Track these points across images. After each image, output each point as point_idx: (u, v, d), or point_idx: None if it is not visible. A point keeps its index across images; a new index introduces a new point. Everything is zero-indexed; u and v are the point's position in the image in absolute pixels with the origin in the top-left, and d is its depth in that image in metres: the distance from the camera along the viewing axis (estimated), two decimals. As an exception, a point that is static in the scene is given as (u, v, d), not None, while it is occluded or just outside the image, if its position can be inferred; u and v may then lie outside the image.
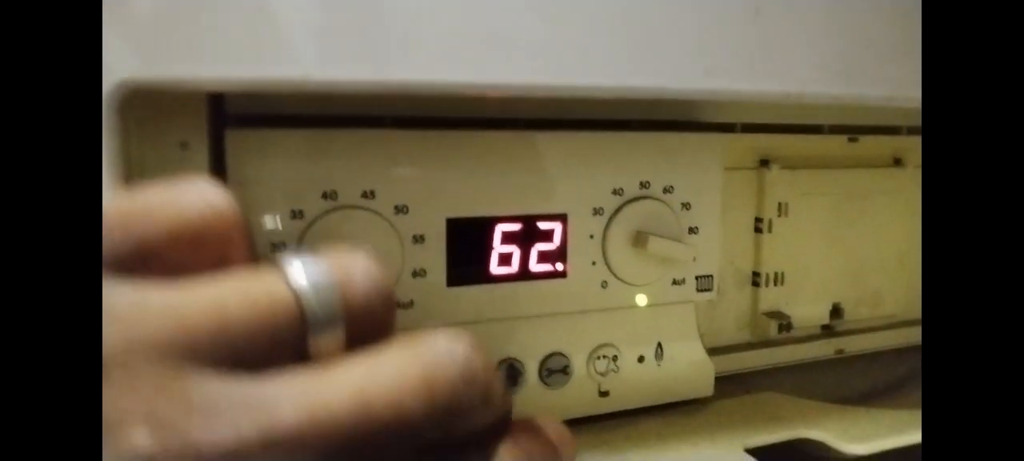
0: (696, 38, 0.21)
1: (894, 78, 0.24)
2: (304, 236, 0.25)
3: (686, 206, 0.30)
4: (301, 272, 0.14)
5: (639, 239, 0.29)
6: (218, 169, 0.24)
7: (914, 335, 0.40)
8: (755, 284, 0.36)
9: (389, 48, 0.19)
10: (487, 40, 0.20)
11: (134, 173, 0.20)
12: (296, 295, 0.14)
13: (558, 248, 0.28)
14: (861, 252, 0.38)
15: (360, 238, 0.25)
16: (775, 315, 0.36)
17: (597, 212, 0.29)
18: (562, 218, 0.28)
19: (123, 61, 0.18)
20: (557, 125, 0.28)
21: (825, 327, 0.38)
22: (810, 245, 0.37)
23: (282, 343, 0.14)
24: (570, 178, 0.28)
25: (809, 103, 0.24)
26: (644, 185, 0.29)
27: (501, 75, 0.20)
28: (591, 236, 0.29)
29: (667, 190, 0.30)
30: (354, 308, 0.15)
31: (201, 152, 0.22)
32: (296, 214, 0.25)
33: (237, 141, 0.24)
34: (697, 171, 0.30)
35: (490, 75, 0.20)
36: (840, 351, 0.38)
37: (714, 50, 0.22)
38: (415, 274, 0.26)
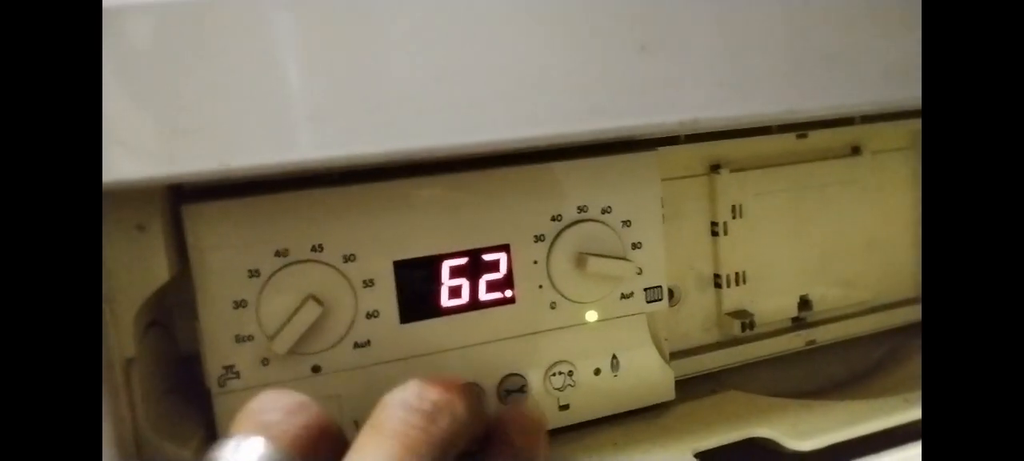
0: (580, 80, 0.23)
1: (790, 92, 0.25)
2: (261, 292, 0.27)
3: (627, 223, 0.32)
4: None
5: (580, 260, 0.31)
6: (178, 243, 0.27)
7: (888, 319, 0.41)
8: (717, 286, 0.37)
9: (372, 124, 0.22)
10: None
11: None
12: None
13: (504, 276, 0.30)
14: (825, 243, 0.39)
15: (312, 288, 0.28)
16: (739, 314, 0.37)
17: (538, 239, 0.31)
18: (506, 248, 0.30)
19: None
20: (493, 162, 0.30)
21: (795, 319, 0.39)
22: (770, 242, 0.38)
23: None
24: (510, 210, 0.30)
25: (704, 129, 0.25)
26: (582, 208, 0.31)
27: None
28: (535, 262, 0.31)
29: (605, 211, 0.31)
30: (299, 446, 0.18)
31: (158, 233, 0.25)
32: (252, 273, 0.27)
33: (193, 214, 0.26)
34: (634, 189, 0.32)
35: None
36: (811, 342, 0.39)
37: (599, 89, 0.23)
38: (368, 315, 0.29)
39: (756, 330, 0.38)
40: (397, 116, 0.22)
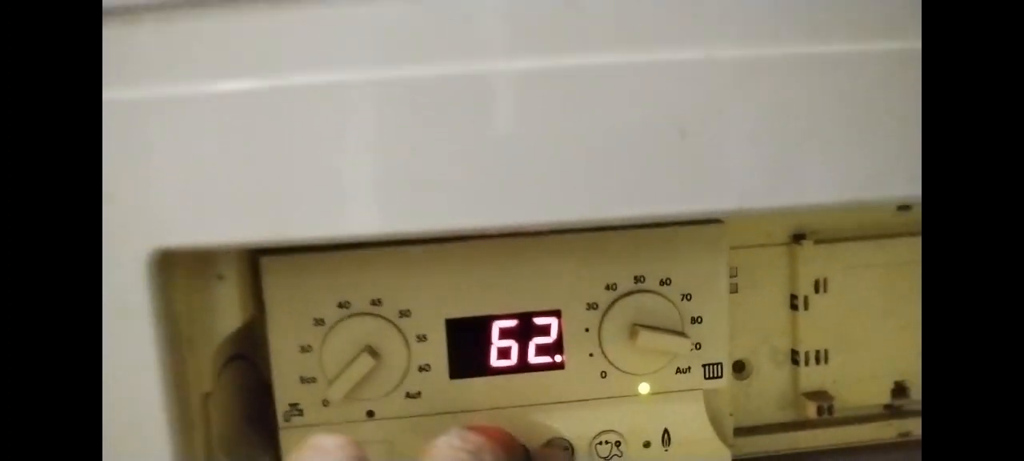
0: (616, 164, 0.23)
1: (840, 178, 0.24)
2: (325, 339, 0.30)
3: (687, 296, 0.31)
4: None
5: (634, 332, 0.30)
6: (253, 291, 0.30)
7: (1003, 416, 0.36)
8: (794, 363, 0.35)
9: (414, 205, 0.24)
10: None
11: (178, 303, 0.27)
12: None
13: (554, 341, 0.31)
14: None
15: (370, 339, 0.30)
16: (817, 395, 0.35)
17: (591, 306, 0.31)
18: (557, 313, 0.31)
19: (177, 230, 0.24)
20: (549, 229, 0.30)
21: (887, 407, 0.36)
22: (860, 319, 0.35)
23: None
24: (563, 276, 0.30)
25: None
26: (639, 279, 0.31)
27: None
28: (587, 330, 0.31)
29: (664, 282, 0.31)
30: None
31: (234, 283, 0.28)
32: (318, 321, 0.30)
33: (269, 267, 0.29)
34: (697, 261, 0.31)
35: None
36: (905, 434, 0.36)
37: (637, 177, 0.23)
38: (420, 368, 0.30)
39: (838, 414, 0.35)
40: (438, 197, 0.24)
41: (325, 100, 0.23)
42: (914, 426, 0.36)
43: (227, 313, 0.28)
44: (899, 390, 0.36)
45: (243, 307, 0.29)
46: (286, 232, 0.24)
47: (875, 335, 0.35)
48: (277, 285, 0.29)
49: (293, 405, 0.30)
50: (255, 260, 0.30)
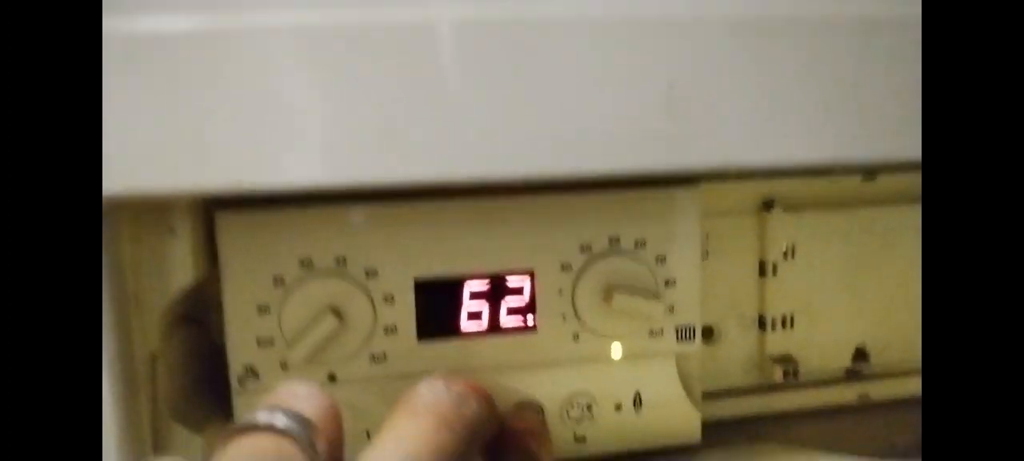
0: (605, 120, 0.22)
1: (832, 139, 0.23)
2: (285, 300, 0.28)
3: (661, 259, 0.30)
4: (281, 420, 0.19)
5: (608, 294, 0.30)
6: (207, 248, 0.28)
7: (956, 381, 0.37)
8: (761, 327, 0.35)
9: (391, 152, 0.22)
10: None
11: (124, 256, 0.25)
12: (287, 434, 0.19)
13: (527, 303, 0.30)
14: (890, 292, 0.36)
15: (333, 300, 0.28)
16: (783, 359, 0.35)
17: (565, 268, 0.30)
18: (530, 274, 0.30)
19: (122, 175, 0.22)
20: (522, 188, 0.29)
21: (849, 371, 0.37)
22: (825, 286, 0.35)
23: None
24: (537, 236, 0.29)
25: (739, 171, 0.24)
26: (613, 240, 0.30)
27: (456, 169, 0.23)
28: (560, 291, 0.30)
29: (639, 244, 0.30)
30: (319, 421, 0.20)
31: (186, 238, 0.26)
32: (277, 281, 0.28)
33: (225, 221, 0.27)
34: (672, 224, 0.30)
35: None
36: (865, 397, 0.36)
37: (624, 131, 0.22)
38: (387, 330, 0.29)
39: (802, 378, 0.35)
40: (411, 146, 0.22)
41: (278, 42, 0.21)
42: (873, 389, 0.36)
43: (178, 270, 0.26)
44: (859, 355, 0.36)
45: (196, 264, 0.27)
46: (238, 180, 0.22)
47: (838, 301, 0.36)
48: (233, 241, 0.27)
49: (249, 368, 0.28)
50: (210, 215, 0.27)
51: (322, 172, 0.22)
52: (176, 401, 0.28)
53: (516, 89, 0.22)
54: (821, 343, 0.36)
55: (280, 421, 0.19)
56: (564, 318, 0.30)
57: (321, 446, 0.19)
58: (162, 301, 0.26)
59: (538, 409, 0.30)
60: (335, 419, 0.21)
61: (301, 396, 0.21)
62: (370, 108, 0.22)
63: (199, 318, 0.30)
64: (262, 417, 0.19)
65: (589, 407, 0.31)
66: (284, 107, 0.21)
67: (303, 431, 0.19)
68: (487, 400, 0.23)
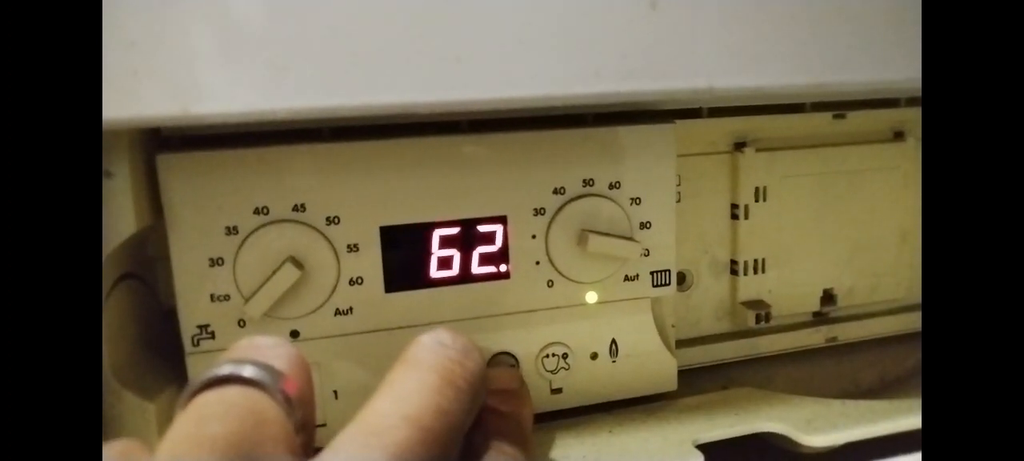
0: (586, 39, 0.21)
1: (822, 63, 0.22)
2: (239, 251, 0.26)
3: (636, 201, 0.29)
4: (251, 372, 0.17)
5: (582, 238, 0.28)
6: (149, 192, 0.25)
7: (917, 321, 0.38)
8: (733, 273, 0.35)
9: (345, 75, 0.20)
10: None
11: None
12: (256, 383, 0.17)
13: (499, 250, 0.28)
14: (855, 234, 0.36)
15: (292, 250, 0.26)
16: (755, 304, 0.35)
17: (538, 212, 0.28)
18: (502, 220, 0.28)
19: None
20: (493, 126, 0.28)
21: (816, 314, 0.37)
22: (794, 229, 0.35)
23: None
24: (508, 179, 0.28)
25: (721, 97, 0.23)
26: (587, 182, 0.29)
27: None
28: (533, 236, 0.29)
29: (613, 186, 0.29)
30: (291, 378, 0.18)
31: (126, 182, 0.24)
32: (230, 230, 0.26)
33: (168, 165, 0.25)
34: (647, 164, 0.29)
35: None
36: (833, 339, 0.37)
37: (604, 49, 0.21)
38: (351, 282, 0.27)
39: (773, 323, 0.35)
40: (373, 68, 0.20)
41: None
42: (840, 331, 0.37)
43: (116, 219, 0.24)
44: (827, 298, 0.36)
45: (137, 213, 0.24)
46: (178, 109, 0.20)
47: (807, 245, 0.36)
48: (179, 187, 0.25)
49: (203, 327, 0.26)
50: (151, 158, 0.25)
51: (273, 98, 0.20)
52: (122, 367, 0.25)
53: (491, 1, 0.20)
54: (791, 287, 0.36)
55: (248, 371, 0.17)
56: (538, 264, 0.29)
57: (293, 398, 0.18)
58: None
59: (512, 362, 0.29)
60: (305, 371, 0.19)
61: (265, 347, 0.19)
62: (326, 21, 0.20)
63: (143, 274, 0.28)
64: (226, 368, 0.17)
65: (565, 357, 0.30)
66: (228, 23, 0.19)
67: (274, 381, 0.17)
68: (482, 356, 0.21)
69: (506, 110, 0.22)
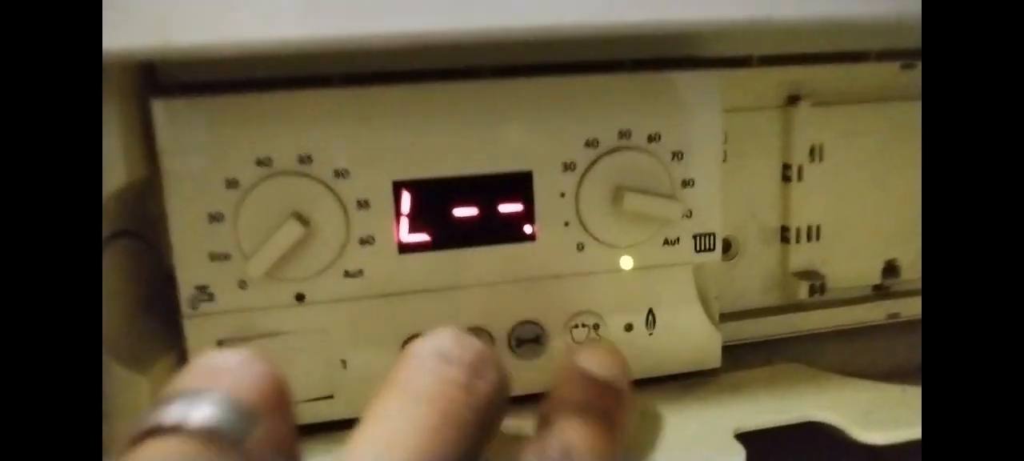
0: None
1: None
2: (240, 206, 0.24)
3: (677, 156, 0.26)
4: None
5: (617, 196, 0.26)
6: (143, 144, 0.23)
7: (993, 295, 0.34)
8: (784, 240, 0.32)
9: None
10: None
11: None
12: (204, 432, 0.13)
13: (524, 209, 0.26)
14: (920, 200, 0.32)
15: (297, 205, 0.24)
16: (808, 275, 0.32)
17: (568, 167, 0.26)
18: (527, 176, 0.25)
19: None
20: (516, 71, 0.25)
21: (877, 288, 0.33)
22: (854, 193, 0.32)
23: None
24: (536, 130, 0.25)
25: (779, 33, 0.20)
26: (624, 134, 0.26)
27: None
28: (562, 194, 0.26)
29: (652, 138, 0.26)
30: (258, 409, 0.14)
31: (114, 128, 0.22)
32: (230, 183, 0.24)
33: (164, 111, 0.23)
34: (689, 115, 0.26)
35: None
36: (894, 315, 0.33)
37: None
38: (362, 241, 0.25)
39: (827, 295, 0.32)
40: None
41: None
42: (903, 307, 0.33)
43: (108, 170, 0.22)
44: (889, 269, 0.33)
45: (128, 163, 0.23)
46: (166, 39, 0.17)
47: (867, 211, 0.32)
48: (176, 136, 0.23)
49: (201, 288, 0.24)
50: (145, 104, 0.23)
51: (263, 27, 0.18)
52: (113, 335, 0.24)
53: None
54: (849, 257, 0.32)
55: (196, 417, 0.14)
56: (567, 225, 0.26)
57: (262, 433, 0.14)
58: (88, 204, 0.21)
59: (539, 335, 0.26)
60: (279, 395, 0.15)
61: (229, 370, 0.15)
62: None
63: (137, 231, 0.26)
64: (171, 413, 0.14)
65: (596, 327, 0.27)
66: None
67: (233, 420, 0.14)
68: (501, 366, 0.16)
69: (535, 40, 0.19)
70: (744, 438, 0.24)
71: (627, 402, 0.18)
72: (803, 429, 0.26)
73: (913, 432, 0.24)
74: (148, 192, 0.25)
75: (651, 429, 0.25)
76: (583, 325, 0.27)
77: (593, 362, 0.18)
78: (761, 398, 0.27)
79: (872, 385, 0.28)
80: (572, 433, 0.15)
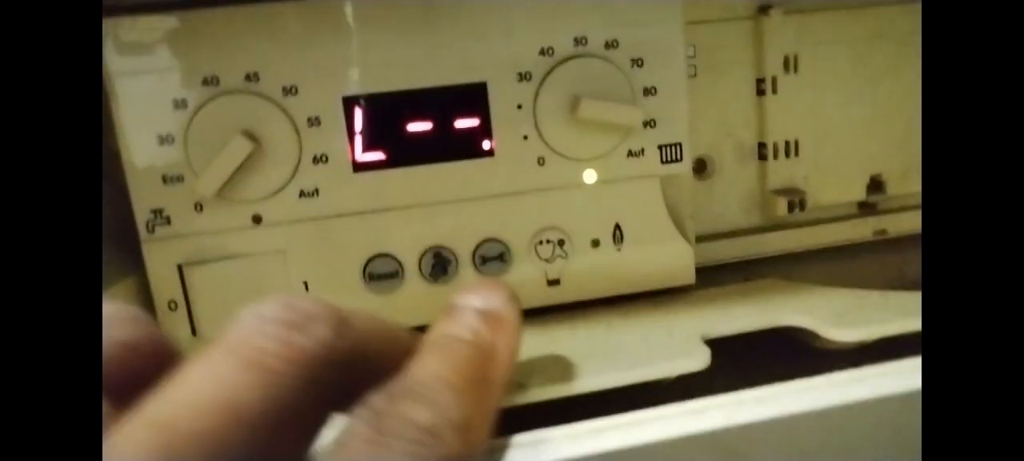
0: None
1: None
2: (189, 126, 0.24)
3: (638, 62, 0.26)
4: None
5: (574, 104, 0.25)
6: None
7: (986, 208, 0.33)
8: (762, 157, 0.31)
9: None
10: None
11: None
12: None
13: (480, 123, 0.25)
14: (909, 109, 0.31)
15: (247, 123, 0.24)
16: (787, 191, 0.31)
17: (524, 77, 0.25)
18: (482, 87, 0.25)
19: None
20: (466, -19, 0.24)
21: (862, 204, 0.32)
22: (832, 106, 0.31)
23: None
24: (488, 39, 0.25)
25: None
26: (580, 41, 0.25)
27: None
28: (519, 106, 0.25)
29: (610, 45, 0.25)
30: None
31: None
32: (178, 103, 0.23)
33: (112, 31, 0.23)
34: (649, 19, 0.25)
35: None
36: (881, 232, 0.32)
37: None
38: (315, 160, 0.25)
39: (811, 214, 0.31)
40: None
41: None
42: (890, 224, 0.32)
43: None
44: (874, 185, 0.32)
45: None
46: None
47: (849, 123, 0.31)
48: (121, 58, 0.23)
49: (157, 211, 0.24)
50: (87, 23, 0.23)
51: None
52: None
53: None
54: (831, 173, 0.31)
55: None
56: (526, 138, 0.26)
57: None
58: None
59: (502, 253, 0.26)
60: (152, 349, 0.15)
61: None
62: None
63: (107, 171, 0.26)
64: None
65: (561, 243, 0.27)
66: None
67: None
68: (361, 326, 0.15)
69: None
70: (714, 347, 0.23)
71: (508, 330, 0.17)
72: (773, 336, 0.25)
73: (885, 329, 0.23)
74: (107, 128, 0.25)
75: (614, 338, 0.24)
76: (548, 241, 0.26)
77: (472, 296, 0.18)
78: (733, 308, 0.26)
79: (850, 292, 0.27)
80: (419, 368, 0.15)
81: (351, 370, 0.14)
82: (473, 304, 0.17)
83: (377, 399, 0.14)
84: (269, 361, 0.13)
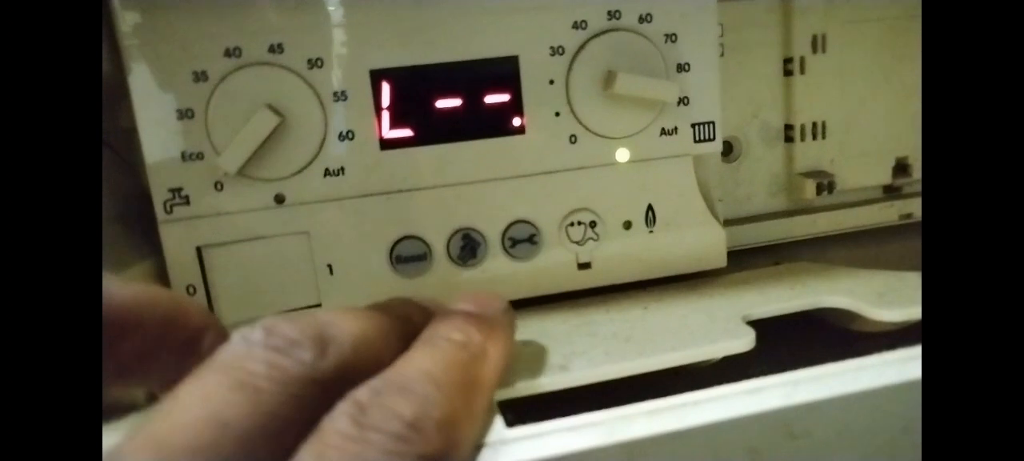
0: None
1: None
2: (210, 100, 0.22)
3: (671, 38, 0.25)
4: None
5: (609, 80, 0.24)
6: (105, 37, 0.22)
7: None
8: (788, 139, 0.30)
9: None
10: None
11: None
12: None
13: (511, 100, 0.24)
14: (934, 92, 0.31)
15: (270, 97, 0.23)
16: (814, 174, 0.30)
17: (556, 52, 0.24)
18: (513, 61, 0.24)
19: None
20: (498, -49, 0.24)
21: (888, 188, 0.32)
22: (861, 87, 0.30)
23: None
24: (520, 12, 0.24)
25: None
26: (613, 15, 0.24)
27: None
28: (551, 81, 0.25)
29: (643, 19, 0.25)
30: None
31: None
32: (199, 76, 0.22)
33: (126, 2, 0.22)
34: (683, -7, 0.25)
35: None
36: (907, 216, 0.32)
37: None
38: (341, 137, 0.24)
39: (837, 197, 0.30)
40: None
41: None
42: (915, 208, 0.32)
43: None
44: (900, 168, 0.31)
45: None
46: None
47: (876, 105, 0.31)
48: (138, 28, 0.22)
49: (175, 190, 0.23)
50: (102, -9, 0.22)
51: None
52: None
53: None
54: (858, 155, 0.31)
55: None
56: (558, 115, 0.25)
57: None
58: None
59: (533, 235, 0.25)
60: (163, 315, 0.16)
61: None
62: None
63: (116, 145, 0.25)
64: None
65: (593, 225, 0.26)
66: None
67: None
68: (347, 340, 0.15)
69: None
70: (754, 325, 0.23)
71: (500, 334, 0.17)
72: (810, 320, 0.25)
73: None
74: (122, 104, 0.24)
75: (652, 320, 0.23)
76: (579, 223, 0.26)
77: (466, 301, 0.18)
78: (770, 290, 0.25)
79: (888, 273, 0.26)
80: (406, 363, 0.15)
81: (339, 382, 0.14)
82: (467, 308, 0.18)
83: (361, 392, 0.14)
84: (255, 381, 0.13)
